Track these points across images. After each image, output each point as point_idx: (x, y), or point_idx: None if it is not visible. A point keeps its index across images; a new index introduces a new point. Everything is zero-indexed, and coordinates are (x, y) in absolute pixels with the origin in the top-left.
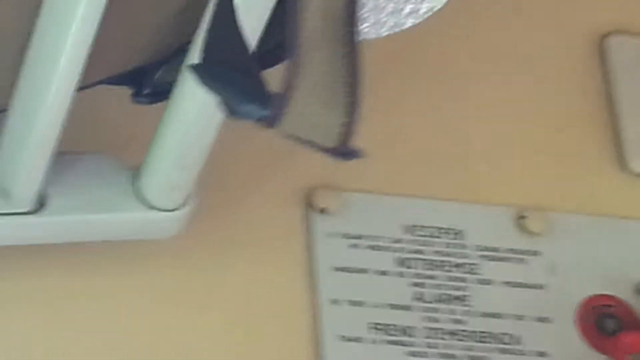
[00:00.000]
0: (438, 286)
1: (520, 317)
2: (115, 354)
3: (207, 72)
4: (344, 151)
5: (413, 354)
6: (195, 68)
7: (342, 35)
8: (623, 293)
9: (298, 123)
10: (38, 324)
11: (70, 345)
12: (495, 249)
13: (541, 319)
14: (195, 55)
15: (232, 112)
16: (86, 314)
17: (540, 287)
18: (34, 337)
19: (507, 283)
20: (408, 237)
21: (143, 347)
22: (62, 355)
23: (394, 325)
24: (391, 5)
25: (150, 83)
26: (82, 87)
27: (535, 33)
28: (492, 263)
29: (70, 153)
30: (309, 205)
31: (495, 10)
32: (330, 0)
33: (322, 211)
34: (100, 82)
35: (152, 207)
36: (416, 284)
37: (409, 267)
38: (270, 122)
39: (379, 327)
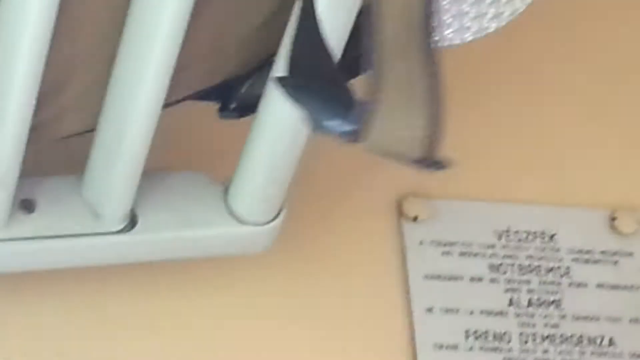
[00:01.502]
0: (532, 291)
1: (615, 319)
2: None
3: (292, 85)
4: (431, 162)
5: (509, 359)
6: (281, 80)
7: (422, 44)
8: None
9: (382, 137)
10: (134, 343)
11: None
12: (587, 252)
13: (636, 320)
14: (280, 67)
15: (316, 126)
16: (180, 331)
17: (635, 288)
18: (133, 355)
19: (601, 285)
20: (500, 242)
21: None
22: None
23: (490, 331)
24: (474, 10)
25: (236, 97)
26: (168, 104)
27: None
28: (585, 266)
29: (159, 171)
30: (401, 214)
31: (582, 10)
32: (410, 8)
33: (414, 219)
34: (187, 98)
35: (243, 222)
36: (510, 290)
37: (502, 273)
38: (355, 137)
39: (474, 333)
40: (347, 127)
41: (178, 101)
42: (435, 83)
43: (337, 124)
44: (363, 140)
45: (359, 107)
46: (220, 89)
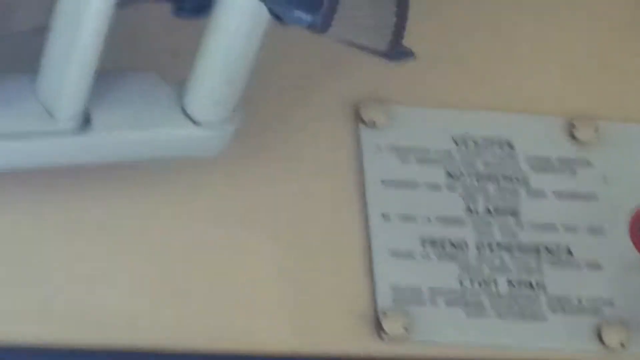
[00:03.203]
0: (489, 199)
1: (572, 228)
2: (162, 273)
3: None
4: (396, 53)
5: (466, 269)
6: None
7: None
8: None
9: (348, 27)
10: (82, 245)
11: (115, 265)
12: (545, 159)
13: (593, 230)
14: None
15: (282, 18)
16: (132, 233)
17: (592, 197)
18: (79, 258)
19: (558, 194)
20: (458, 149)
21: (191, 266)
22: (107, 276)
23: (446, 239)
24: None
25: None
26: (122, 4)
27: None
28: (543, 174)
29: (113, 71)
30: (358, 119)
31: None
32: None
33: (372, 125)
34: None
35: (198, 124)
36: (467, 197)
37: (460, 180)
38: (320, 27)
39: (431, 241)
40: (312, 17)
41: (134, 1)
42: None
43: (302, 14)
44: (329, 31)
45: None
46: None
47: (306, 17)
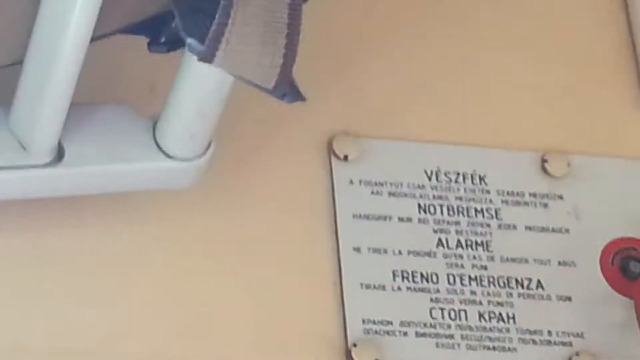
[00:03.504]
0: (461, 232)
1: (543, 262)
2: (134, 304)
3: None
4: (283, 92)
5: (437, 300)
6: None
7: None
8: None
9: (234, 61)
10: (56, 277)
11: (89, 296)
12: (517, 194)
13: (565, 263)
14: None
15: (183, 44)
16: (104, 265)
17: (564, 231)
18: (53, 289)
19: (530, 228)
20: (430, 183)
21: (162, 298)
22: (82, 306)
23: (417, 272)
24: None
25: (167, 31)
26: (97, 37)
27: None
28: (515, 208)
29: (88, 104)
30: (331, 152)
31: None
32: None
33: (344, 159)
34: (117, 32)
35: (171, 157)
36: (439, 230)
37: (431, 214)
38: (206, 58)
39: (402, 274)
40: (200, 48)
41: (108, 34)
42: (293, 14)
43: (193, 43)
44: (214, 62)
45: (214, 29)
46: (151, 22)
47: (196, 45)
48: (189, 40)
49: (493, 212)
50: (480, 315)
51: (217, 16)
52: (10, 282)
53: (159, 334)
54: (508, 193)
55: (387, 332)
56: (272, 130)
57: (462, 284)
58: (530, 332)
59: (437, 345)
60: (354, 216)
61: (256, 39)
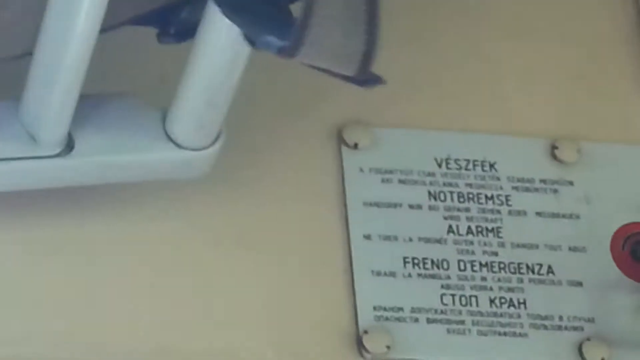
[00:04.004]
0: (471, 219)
1: (554, 248)
2: (147, 296)
3: (229, 3)
4: (365, 79)
5: (447, 287)
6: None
7: None
8: None
9: (318, 53)
10: (67, 268)
11: (100, 288)
12: (528, 180)
13: (575, 249)
14: None
15: (253, 42)
16: (115, 256)
17: (574, 216)
18: (64, 280)
19: (541, 214)
20: (440, 170)
21: (173, 285)
22: (93, 299)
23: (428, 258)
24: None
25: (176, 22)
26: (107, 28)
27: None
28: (525, 194)
29: (97, 95)
30: (341, 140)
31: None
32: None
33: (355, 147)
34: (126, 23)
35: (181, 147)
36: (449, 217)
37: (442, 200)
38: (289, 52)
39: (412, 261)
40: (282, 43)
41: (117, 26)
42: (373, 2)
43: (271, 39)
44: (297, 56)
45: (294, 23)
46: (160, 13)
47: (276, 42)
48: (265, 37)
49: (503, 199)
50: (491, 301)
51: (301, 11)
52: (17, 273)
53: (169, 324)
54: (518, 179)
55: (398, 319)
56: (282, 119)
57: (472, 270)
58: (541, 318)
59: (448, 331)
60: (365, 204)
61: (338, 27)
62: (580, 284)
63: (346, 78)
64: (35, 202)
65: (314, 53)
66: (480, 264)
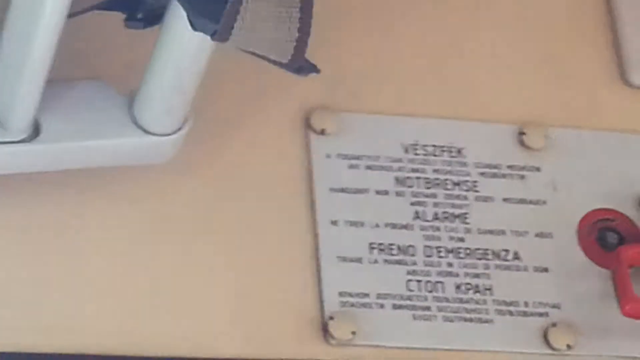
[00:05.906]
0: (438, 204)
1: (521, 234)
2: (110, 281)
3: None
4: (300, 67)
5: (414, 273)
6: None
7: None
8: (624, 207)
9: (250, 38)
10: (33, 252)
11: (64, 273)
12: (495, 166)
13: (542, 235)
14: None
15: (192, 25)
16: (80, 241)
17: (541, 202)
18: (29, 265)
19: (508, 200)
20: (407, 156)
21: (139, 273)
22: (57, 283)
23: (394, 244)
24: None
25: (143, 7)
26: (75, 14)
27: None
28: (493, 180)
29: (64, 81)
30: (308, 127)
31: None
32: None
33: (321, 132)
34: (94, 8)
35: (147, 132)
36: (416, 203)
37: (408, 186)
38: (220, 36)
39: (378, 246)
40: (214, 26)
41: (85, 11)
42: None
43: (207, 23)
44: (229, 40)
45: (226, 9)
46: None
47: (210, 25)
48: (201, 20)
49: (470, 185)
50: (457, 287)
51: None
52: None
53: (135, 310)
54: (485, 165)
55: (364, 305)
56: (249, 105)
57: (439, 256)
58: (507, 304)
59: (414, 317)
60: (331, 190)
61: (271, 14)
62: (546, 270)
63: (282, 65)
64: (1, 187)
65: (246, 39)
66: (447, 250)
